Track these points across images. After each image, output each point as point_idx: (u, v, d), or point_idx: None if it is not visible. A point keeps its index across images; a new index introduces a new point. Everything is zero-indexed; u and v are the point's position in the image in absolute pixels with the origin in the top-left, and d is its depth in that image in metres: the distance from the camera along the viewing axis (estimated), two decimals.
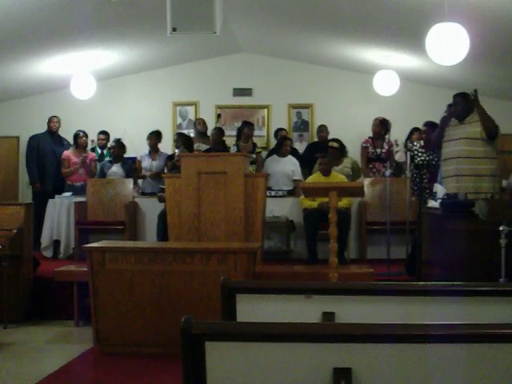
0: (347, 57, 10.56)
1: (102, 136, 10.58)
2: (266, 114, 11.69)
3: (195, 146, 9.72)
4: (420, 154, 8.21)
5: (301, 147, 11.14)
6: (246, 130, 9.87)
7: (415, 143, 8.77)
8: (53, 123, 10.38)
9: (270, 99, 11.62)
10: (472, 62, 7.78)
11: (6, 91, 11.09)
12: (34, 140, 10.50)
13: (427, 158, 8.36)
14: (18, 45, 8.69)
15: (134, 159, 10.39)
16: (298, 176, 9.52)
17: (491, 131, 6.73)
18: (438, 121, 7.98)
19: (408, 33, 8.32)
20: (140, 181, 9.97)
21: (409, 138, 9.57)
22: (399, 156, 9.34)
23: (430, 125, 8.46)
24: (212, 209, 6.82)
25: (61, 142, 10.41)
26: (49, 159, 10.25)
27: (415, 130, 9.48)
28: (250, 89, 11.68)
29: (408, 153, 8.37)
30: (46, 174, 10.25)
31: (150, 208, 9.11)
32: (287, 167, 9.57)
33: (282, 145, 9.77)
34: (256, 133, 11.00)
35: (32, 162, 10.41)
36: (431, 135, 8.36)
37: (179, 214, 6.91)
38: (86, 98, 10.47)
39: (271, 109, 11.68)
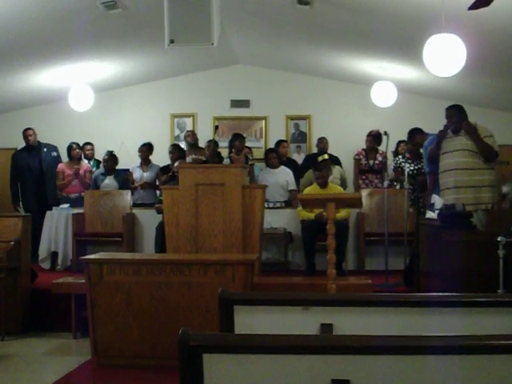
0: (345, 68, 10.58)
1: (89, 147, 10.62)
2: (264, 125, 11.70)
3: (189, 158, 9.74)
4: (408, 165, 8.25)
5: (299, 158, 11.14)
6: (237, 142, 9.84)
7: (400, 156, 8.84)
8: (27, 137, 10.16)
9: (267, 111, 11.63)
10: (469, 73, 7.80)
11: (4, 103, 11.11)
12: (14, 157, 10.39)
13: (416, 168, 8.43)
14: (15, 57, 8.70)
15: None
16: (293, 186, 9.50)
17: (489, 159, 6.77)
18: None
19: (405, 44, 8.35)
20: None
21: (396, 150, 9.64)
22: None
23: (412, 133, 8.55)
24: (210, 220, 6.82)
25: (39, 153, 10.27)
26: (26, 175, 10.12)
27: (401, 142, 9.54)
28: (248, 100, 11.70)
29: (395, 166, 8.49)
30: (26, 190, 10.14)
31: (148, 219, 9.11)
32: (281, 178, 9.53)
33: (268, 158, 9.79)
34: (254, 144, 11.03)
35: (13, 181, 10.30)
36: (414, 145, 8.50)
37: (177, 226, 6.90)
38: (83, 109, 10.47)
39: (269, 120, 11.69)
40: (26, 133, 10.21)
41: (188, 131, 10.88)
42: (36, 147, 10.34)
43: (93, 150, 10.66)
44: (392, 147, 9.28)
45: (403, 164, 8.60)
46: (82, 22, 7.82)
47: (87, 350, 5.96)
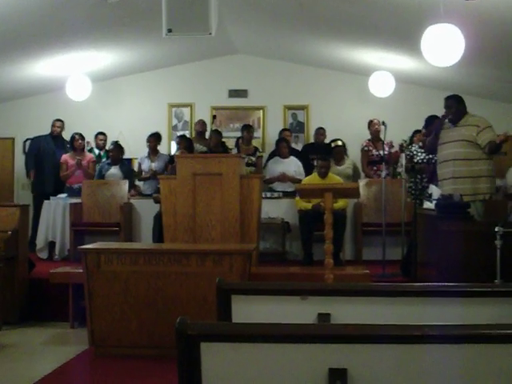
0: (342, 58, 10.57)
1: (101, 137, 10.59)
2: (262, 115, 11.68)
3: (196, 146, 9.74)
4: (420, 154, 8.23)
5: (296, 148, 11.13)
6: (245, 133, 10.02)
7: (414, 144, 8.79)
8: (54, 127, 10.37)
9: (265, 100, 11.61)
10: (467, 63, 7.79)
11: (1, 92, 11.08)
12: (36, 141, 10.53)
13: (426, 157, 8.38)
14: (13, 46, 8.67)
15: (129, 161, 10.40)
16: (301, 176, 9.47)
17: (495, 152, 6.77)
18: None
19: (403, 34, 8.33)
20: (141, 183, 9.96)
21: (411, 140, 9.54)
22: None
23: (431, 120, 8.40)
24: (207, 210, 6.82)
25: (63, 146, 10.38)
26: (49, 161, 10.21)
27: (416, 132, 9.44)
28: (246, 90, 11.68)
29: (407, 154, 8.40)
30: (46, 175, 10.22)
31: (146, 209, 9.11)
32: (289, 168, 9.56)
33: (279, 147, 9.80)
34: None
35: (30, 159, 10.47)
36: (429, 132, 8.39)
37: (175, 216, 6.91)
38: (81, 99, 10.47)
39: (267, 110, 11.68)
40: (54, 123, 10.42)
41: (199, 120, 10.82)
42: (60, 139, 10.47)
43: (105, 140, 10.63)
44: (392, 137, 9.23)
45: (415, 153, 8.55)
46: (79, 12, 7.80)
47: (85, 340, 5.96)
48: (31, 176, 10.33)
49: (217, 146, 9.38)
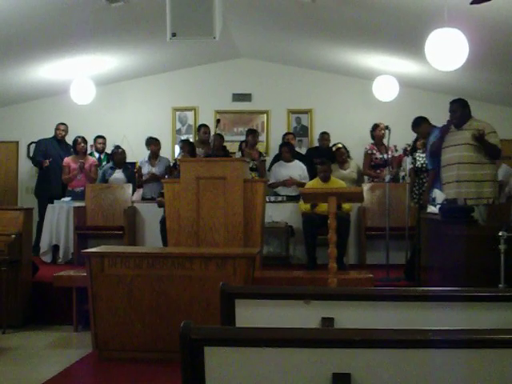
0: (346, 62, 10.57)
1: (101, 140, 10.58)
2: (266, 119, 11.68)
3: (198, 150, 9.72)
4: (420, 158, 8.21)
5: (300, 152, 11.12)
6: (249, 137, 10.02)
7: (419, 150, 8.76)
8: (58, 130, 10.35)
9: (269, 104, 11.61)
10: (471, 67, 7.79)
11: (6, 96, 11.09)
12: (41, 144, 10.45)
13: (426, 162, 8.36)
14: (17, 50, 8.69)
15: (133, 165, 10.39)
16: (306, 180, 9.45)
17: (495, 157, 6.78)
18: None
19: (407, 38, 8.33)
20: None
21: (414, 144, 9.51)
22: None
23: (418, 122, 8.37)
24: (211, 214, 6.82)
25: (67, 149, 10.36)
26: (55, 164, 10.18)
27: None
28: (250, 94, 11.68)
29: (409, 158, 8.37)
30: (52, 179, 10.20)
31: (149, 213, 9.11)
32: (294, 172, 9.55)
33: (281, 151, 9.80)
34: None
35: (37, 157, 10.37)
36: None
37: (178, 219, 6.90)
38: (85, 103, 10.48)
39: (270, 114, 11.68)
40: (58, 126, 10.40)
41: (204, 128, 10.60)
42: (64, 142, 10.47)
43: (104, 143, 10.63)
44: (396, 141, 9.21)
45: (418, 158, 8.53)
46: (83, 16, 7.81)
47: (88, 344, 5.98)
48: (44, 163, 10.16)
49: (218, 149, 9.39)
